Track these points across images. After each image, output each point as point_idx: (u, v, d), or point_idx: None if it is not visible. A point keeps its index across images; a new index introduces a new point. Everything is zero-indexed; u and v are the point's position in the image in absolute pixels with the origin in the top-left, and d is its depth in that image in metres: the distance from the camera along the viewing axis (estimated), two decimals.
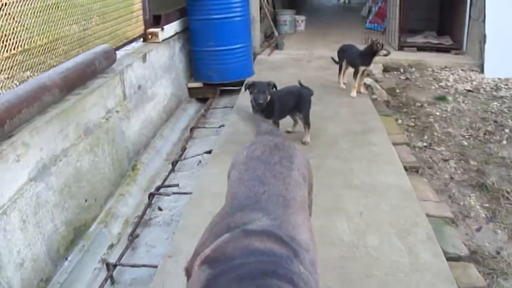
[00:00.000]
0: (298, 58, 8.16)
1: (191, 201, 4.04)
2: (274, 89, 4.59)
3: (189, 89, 7.07)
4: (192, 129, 5.77)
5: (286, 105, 4.78)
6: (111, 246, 3.93)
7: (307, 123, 4.89)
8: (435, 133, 5.44)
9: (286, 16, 10.48)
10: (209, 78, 6.85)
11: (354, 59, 6.13)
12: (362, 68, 6.04)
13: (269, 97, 4.51)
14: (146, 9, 6.12)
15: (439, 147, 5.13)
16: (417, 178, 4.37)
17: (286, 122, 5.13)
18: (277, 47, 8.89)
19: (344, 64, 6.39)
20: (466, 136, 5.38)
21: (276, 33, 9.12)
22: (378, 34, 9.68)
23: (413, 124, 5.75)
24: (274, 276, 1.37)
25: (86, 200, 3.91)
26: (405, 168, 4.38)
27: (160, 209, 4.37)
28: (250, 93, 4.56)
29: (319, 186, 3.99)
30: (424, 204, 3.86)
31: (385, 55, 6.16)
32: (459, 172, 4.64)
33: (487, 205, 4.11)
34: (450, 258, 3.27)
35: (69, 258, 3.56)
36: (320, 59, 7.82)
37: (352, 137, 4.99)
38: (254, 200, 1.82)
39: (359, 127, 5.23)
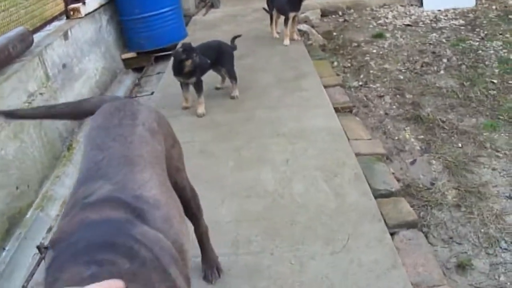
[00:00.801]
0: (234, 14, 7.74)
1: None
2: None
3: (124, 60, 6.63)
4: None
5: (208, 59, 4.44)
6: (50, 229, 3.63)
7: (232, 77, 4.56)
8: (371, 71, 5.13)
9: None
10: (141, 47, 6.40)
11: (283, 6, 5.75)
12: (291, 14, 5.67)
13: (196, 61, 4.16)
14: None
15: (375, 84, 4.84)
16: (349, 118, 4.08)
17: (215, 79, 4.81)
18: (212, 6, 8.44)
19: (274, 13, 6.03)
20: (403, 70, 5.08)
21: None
22: None
23: (349, 64, 5.43)
24: (110, 248, 1.17)
25: (17, 188, 3.62)
26: (337, 110, 4.10)
27: None
28: (175, 59, 4.23)
29: (248, 138, 3.73)
30: (355, 144, 3.58)
31: None
32: (394, 107, 4.36)
33: (422, 136, 3.84)
34: (381, 195, 3.02)
35: (6, 248, 3.29)
36: (256, 11, 7.41)
37: (283, 84, 4.67)
38: (95, 169, 1.59)
39: (291, 74, 4.91)
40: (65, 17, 5.68)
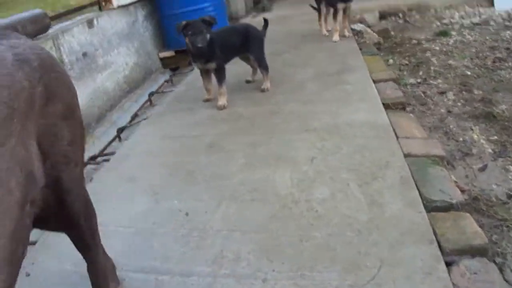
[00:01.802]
0: (283, 16, 6.90)
1: (109, 164, 2.99)
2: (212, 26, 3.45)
3: (162, 59, 5.94)
4: (150, 95, 4.66)
5: (230, 44, 3.63)
6: None
7: (262, 66, 3.74)
8: (432, 68, 4.12)
9: None
10: (180, 45, 5.63)
11: None
12: (341, 5, 4.78)
13: (208, 37, 3.38)
14: None
15: (436, 80, 3.84)
16: (401, 114, 3.12)
17: (246, 70, 4.00)
18: (264, 10, 7.68)
19: (323, 6, 5.14)
20: (470, 66, 4.04)
21: None
22: None
23: (406, 62, 4.44)
24: None
25: None
26: (387, 106, 3.16)
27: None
28: (185, 36, 3.43)
29: (269, 133, 2.89)
30: (405, 142, 2.63)
31: None
32: (459, 104, 3.35)
33: (495, 137, 2.82)
34: (436, 208, 2.05)
35: None
36: (307, 14, 6.57)
37: (324, 78, 3.77)
38: None
39: (335, 67, 4.00)
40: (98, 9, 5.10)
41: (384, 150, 2.47)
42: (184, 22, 3.43)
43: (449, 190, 2.16)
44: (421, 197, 2.06)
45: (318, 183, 2.25)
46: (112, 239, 2.02)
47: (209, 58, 3.48)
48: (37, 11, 3.85)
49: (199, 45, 3.36)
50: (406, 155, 2.45)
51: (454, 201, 2.08)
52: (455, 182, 2.36)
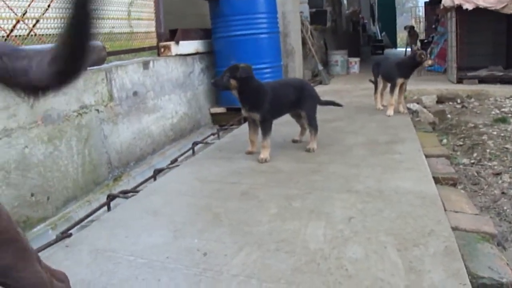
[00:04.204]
0: (339, 90, 6.86)
1: (136, 196, 2.89)
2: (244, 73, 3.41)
3: (212, 115, 5.94)
4: (194, 144, 4.60)
5: (282, 98, 3.54)
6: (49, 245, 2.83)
7: (312, 125, 3.61)
8: (487, 150, 3.90)
9: (338, 57, 9.22)
10: (232, 102, 5.62)
11: (390, 70, 4.79)
12: (400, 80, 4.67)
13: (230, 80, 3.37)
14: (160, 22, 5.22)
15: (491, 162, 3.61)
16: (451, 189, 2.90)
17: (294, 131, 3.91)
18: (321, 83, 7.68)
19: (380, 80, 5.06)
20: None
21: (320, 67, 7.89)
22: (439, 75, 8.24)
23: (461, 143, 4.24)
24: None
25: (32, 195, 3.03)
26: (437, 180, 2.95)
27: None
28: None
29: (307, 189, 2.74)
30: (453, 216, 2.42)
31: (430, 65, 4.82)
32: None
33: None
34: (483, 285, 1.82)
35: None
36: (362, 90, 6.51)
37: (372, 146, 3.61)
38: None
39: (385, 138, 3.84)
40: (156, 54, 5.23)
41: (429, 219, 2.25)
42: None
43: (499, 268, 1.91)
44: (467, 271, 1.82)
45: (353, 242, 2.04)
46: (119, 266, 1.89)
47: (252, 106, 3.43)
48: (95, 42, 3.94)
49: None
50: (454, 228, 2.22)
51: (504, 280, 1.83)
52: (507, 264, 2.10)
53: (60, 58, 1.10)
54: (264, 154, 3.42)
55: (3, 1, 3.30)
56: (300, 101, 3.60)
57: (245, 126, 4.73)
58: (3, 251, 1.16)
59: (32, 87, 1.13)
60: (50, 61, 1.10)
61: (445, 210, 2.44)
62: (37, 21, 3.65)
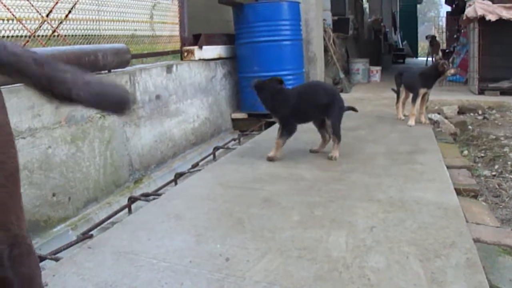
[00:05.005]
0: (360, 98, 6.85)
1: (158, 200, 2.93)
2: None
3: (233, 120, 5.99)
4: (215, 149, 4.65)
5: (310, 103, 3.58)
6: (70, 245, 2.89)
7: (336, 134, 3.60)
8: (509, 162, 3.87)
9: (359, 65, 9.22)
10: (253, 108, 5.66)
11: (413, 80, 4.79)
12: (422, 90, 4.67)
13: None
14: (184, 27, 5.29)
15: None
16: (472, 201, 2.91)
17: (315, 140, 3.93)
18: (342, 91, 7.67)
19: (402, 90, 5.05)
20: None
21: (341, 75, 7.89)
22: (460, 85, 8.19)
23: (482, 155, 4.21)
24: None
25: (54, 195, 3.09)
26: (458, 192, 2.95)
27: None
28: None
29: (329, 197, 2.75)
30: (475, 228, 2.43)
31: (453, 75, 4.82)
32: None
33: None
34: None
35: None
36: (383, 99, 6.50)
37: (394, 156, 3.61)
38: None
39: (407, 148, 3.83)
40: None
41: (451, 231, 2.25)
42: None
43: None
44: (490, 284, 1.83)
45: (375, 251, 2.06)
46: (141, 269, 1.94)
47: (273, 108, 3.58)
48: (120, 45, 4.02)
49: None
50: (475, 240, 2.23)
51: None
52: None
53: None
54: (273, 152, 3.60)
55: (29, 1, 3.38)
56: (329, 108, 3.58)
57: (266, 132, 4.78)
58: None
59: (65, 98, 1.15)
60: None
61: (466, 221, 2.45)
62: (61, 22, 3.73)
